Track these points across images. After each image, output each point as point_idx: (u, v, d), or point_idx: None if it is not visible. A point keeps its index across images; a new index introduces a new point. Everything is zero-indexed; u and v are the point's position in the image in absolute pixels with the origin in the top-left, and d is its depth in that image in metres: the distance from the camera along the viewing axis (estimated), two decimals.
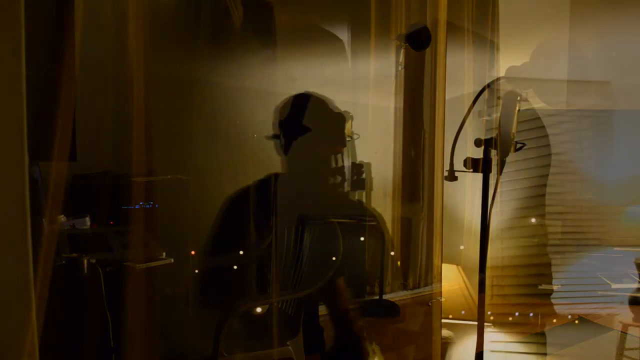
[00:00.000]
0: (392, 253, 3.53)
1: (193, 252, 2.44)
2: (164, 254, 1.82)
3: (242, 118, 2.93)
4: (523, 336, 2.98)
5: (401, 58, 3.28)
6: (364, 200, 3.50)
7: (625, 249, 3.69)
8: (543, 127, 3.69)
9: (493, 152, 2.28)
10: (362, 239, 2.18)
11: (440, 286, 3.67)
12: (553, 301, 3.57)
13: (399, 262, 3.63)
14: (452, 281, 3.59)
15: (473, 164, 2.41)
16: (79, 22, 2.52)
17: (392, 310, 3.35)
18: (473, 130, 2.83)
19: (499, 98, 2.49)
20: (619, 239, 3.76)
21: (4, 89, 1.06)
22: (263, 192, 2.45)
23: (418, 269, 3.65)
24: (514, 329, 3.09)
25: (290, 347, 1.91)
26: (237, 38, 2.83)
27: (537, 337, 3.00)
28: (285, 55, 3.57)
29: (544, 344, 2.92)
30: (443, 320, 3.06)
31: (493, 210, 2.53)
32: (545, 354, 2.75)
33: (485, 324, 3.10)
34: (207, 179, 2.80)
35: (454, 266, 3.64)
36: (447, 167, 3.06)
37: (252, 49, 2.94)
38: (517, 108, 2.29)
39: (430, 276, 3.72)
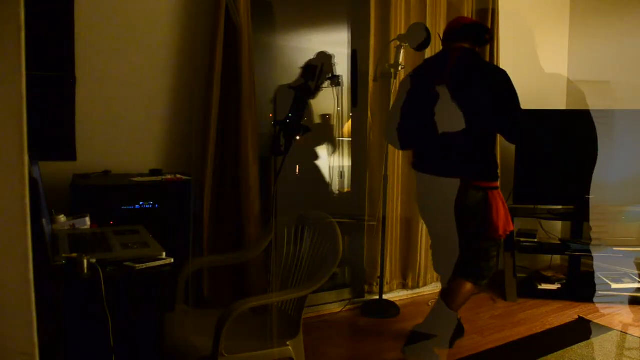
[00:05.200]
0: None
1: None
2: (164, 254, 1.82)
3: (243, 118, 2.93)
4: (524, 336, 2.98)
5: (401, 58, 3.28)
6: (365, 200, 3.51)
7: (625, 249, 3.69)
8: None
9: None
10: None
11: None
12: (553, 301, 3.58)
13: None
14: None
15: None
16: (79, 20, 2.53)
17: (391, 310, 3.36)
18: None
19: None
20: (619, 239, 3.77)
21: (4, 90, 1.05)
22: None
23: (417, 269, 3.65)
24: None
25: (290, 347, 1.91)
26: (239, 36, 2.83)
27: (537, 336, 3.00)
28: (285, 54, 3.57)
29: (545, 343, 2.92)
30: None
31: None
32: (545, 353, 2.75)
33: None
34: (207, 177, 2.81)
35: None
36: None
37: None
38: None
39: (430, 276, 3.73)
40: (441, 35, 2.76)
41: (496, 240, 2.56)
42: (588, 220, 3.70)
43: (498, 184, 2.55)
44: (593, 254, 3.71)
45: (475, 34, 2.61)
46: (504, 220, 2.48)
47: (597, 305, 3.49)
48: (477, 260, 2.55)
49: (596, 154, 3.48)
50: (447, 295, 2.58)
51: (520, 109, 2.48)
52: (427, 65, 2.80)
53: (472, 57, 2.59)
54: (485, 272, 2.57)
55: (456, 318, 2.72)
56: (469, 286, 2.55)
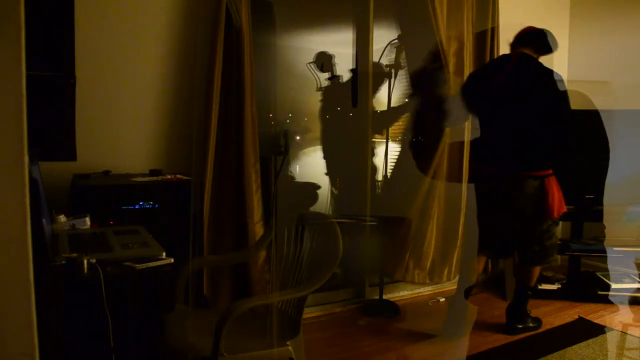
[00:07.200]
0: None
1: None
2: (164, 254, 1.81)
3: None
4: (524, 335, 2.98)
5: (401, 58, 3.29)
6: (368, 198, 3.51)
7: (625, 249, 3.69)
8: None
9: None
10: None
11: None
12: (553, 301, 3.57)
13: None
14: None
15: None
16: (80, 22, 2.52)
17: (391, 309, 3.36)
18: None
19: None
20: (619, 239, 3.76)
21: (4, 90, 1.05)
22: None
23: (418, 269, 3.64)
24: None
25: (290, 347, 1.91)
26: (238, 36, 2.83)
27: (537, 336, 3.00)
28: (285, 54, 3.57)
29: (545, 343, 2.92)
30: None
31: None
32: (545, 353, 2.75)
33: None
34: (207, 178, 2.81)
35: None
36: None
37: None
38: None
39: (430, 276, 3.72)
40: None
41: (553, 220, 2.94)
42: (589, 220, 3.72)
43: (551, 171, 2.88)
44: (593, 254, 3.72)
45: (537, 40, 2.92)
46: (558, 203, 2.86)
47: (597, 305, 3.49)
48: (542, 240, 2.93)
49: (598, 154, 3.51)
50: (525, 280, 3.04)
51: (570, 107, 2.83)
52: (488, 67, 3.11)
53: (528, 62, 2.87)
54: (550, 249, 2.98)
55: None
56: (538, 269, 3.05)
